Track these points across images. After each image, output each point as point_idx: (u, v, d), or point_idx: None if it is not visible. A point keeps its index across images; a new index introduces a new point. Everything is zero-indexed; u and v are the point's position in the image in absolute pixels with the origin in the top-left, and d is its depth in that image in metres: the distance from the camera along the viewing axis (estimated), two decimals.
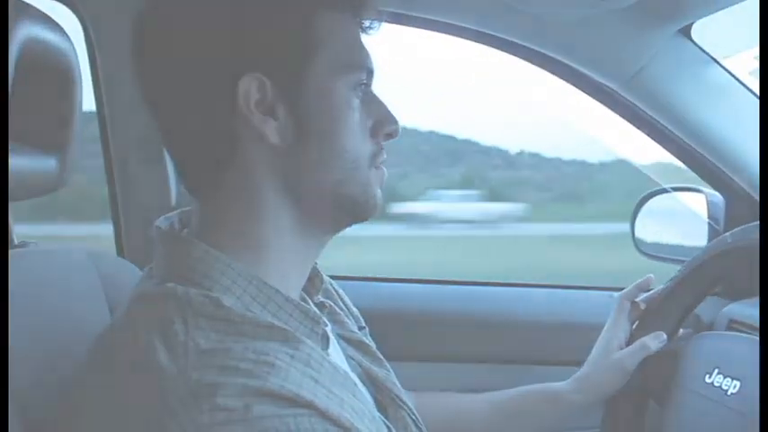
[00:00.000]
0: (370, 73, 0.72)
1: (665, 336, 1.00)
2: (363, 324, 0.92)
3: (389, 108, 0.73)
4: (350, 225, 0.74)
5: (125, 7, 0.74)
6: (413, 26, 1.28)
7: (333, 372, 0.64)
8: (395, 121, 0.73)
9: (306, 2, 0.69)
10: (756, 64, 1.20)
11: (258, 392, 0.56)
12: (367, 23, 0.73)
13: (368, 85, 0.73)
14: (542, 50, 1.28)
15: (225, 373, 0.57)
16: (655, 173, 1.48)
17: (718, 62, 1.24)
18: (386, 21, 0.75)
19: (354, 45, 0.72)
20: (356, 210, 0.72)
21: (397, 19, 1.24)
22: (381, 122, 0.72)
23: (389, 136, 0.73)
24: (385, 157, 0.73)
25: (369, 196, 0.72)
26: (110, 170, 1.32)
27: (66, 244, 0.90)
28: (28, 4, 0.75)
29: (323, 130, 0.69)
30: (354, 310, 0.93)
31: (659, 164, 1.50)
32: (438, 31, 1.29)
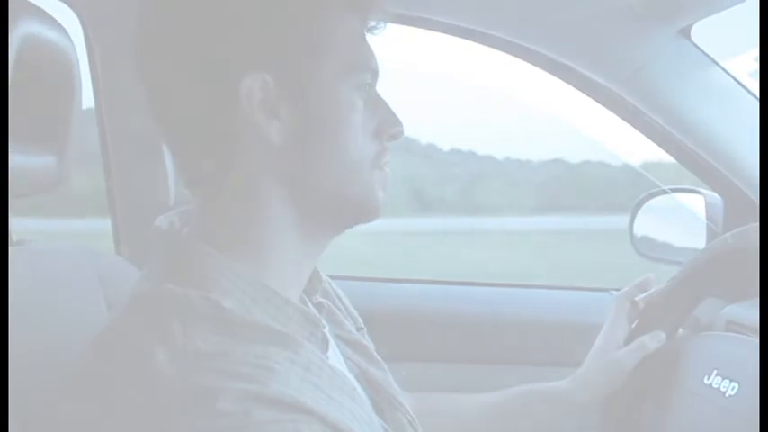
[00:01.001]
0: (374, 74, 0.72)
1: (663, 335, 1.00)
2: (362, 324, 0.92)
3: (393, 109, 0.73)
4: (351, 226, 0.74)
5: (125, 5, 0.73)
6: (407, 25, 1.28)
7: (332, 375, 0.64)
8: (399, 123, 0.72)
9: (311, 2, 0.68)
10: (756, 65, 1.20)
11: (258, 397, 0.56)
12: (372, 24, 0.73)
13: (372, 86, 0.72)
14: (540, 49, 1.28)
15: (225, 377, 0.57)
16: (649, 171, 1.48)
17: (717, 63, 1.24)
18: (389, 21, 0.75)
19: (359, 46, 0.71)
20: (357, 211, 0.72)
21: (395, 18, 1.24)
22: (385, 124, 0.72)
23: (393, 137, 0.73)
24: (389, 158, 0.73)
25: (370, 198, 0.72)
26: (108, 168, 1.31)
27: (63, 242, 0.90)
28: (27, 2, 0.74)
29: (326, 130, 0.69)
30: (353, 310, 0.92)
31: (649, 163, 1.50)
32: (431, 29, 1.29)
